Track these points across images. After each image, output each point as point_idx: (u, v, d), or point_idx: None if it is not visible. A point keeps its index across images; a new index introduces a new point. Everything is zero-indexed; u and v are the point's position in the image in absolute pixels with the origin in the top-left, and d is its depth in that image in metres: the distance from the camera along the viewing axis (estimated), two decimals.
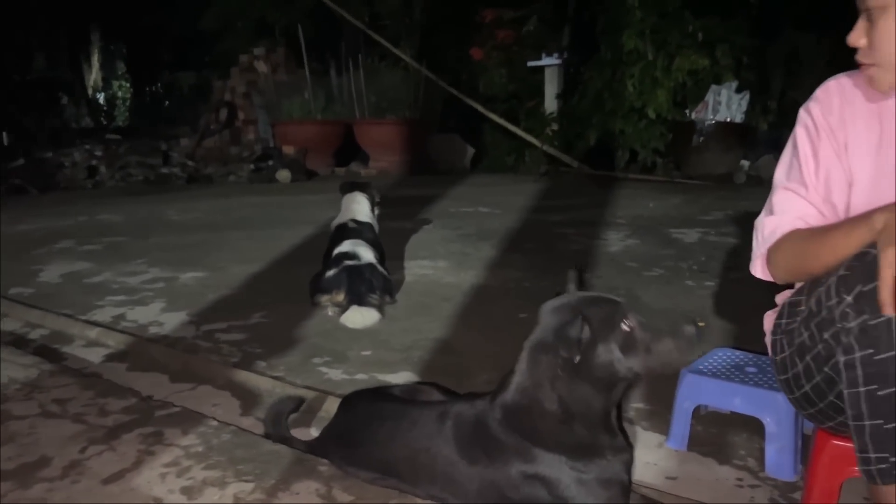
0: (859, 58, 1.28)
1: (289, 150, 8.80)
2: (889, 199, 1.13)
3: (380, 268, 2.97)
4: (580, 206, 5.77)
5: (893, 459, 1.10)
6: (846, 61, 1.33)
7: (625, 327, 1.24)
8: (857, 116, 1.33)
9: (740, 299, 2.98)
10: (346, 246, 3.00)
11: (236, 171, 8.32)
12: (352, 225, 3.15)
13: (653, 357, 1.24)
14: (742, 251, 3.92)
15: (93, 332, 2.64)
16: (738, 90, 7.14)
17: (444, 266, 3.66)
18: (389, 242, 3.89)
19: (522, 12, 8.94)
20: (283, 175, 7.95)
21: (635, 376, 1.27)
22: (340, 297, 2.81)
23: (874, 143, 1.31)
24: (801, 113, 1.39)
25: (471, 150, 9.50)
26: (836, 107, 1.34)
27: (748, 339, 2.48)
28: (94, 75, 19.61)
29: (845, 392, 1.13)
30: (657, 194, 6.41)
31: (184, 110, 14.89)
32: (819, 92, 1.38)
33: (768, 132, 7.41)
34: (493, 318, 2.78)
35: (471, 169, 9.44)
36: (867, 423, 1.11)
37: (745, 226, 4.67)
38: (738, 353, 1.90)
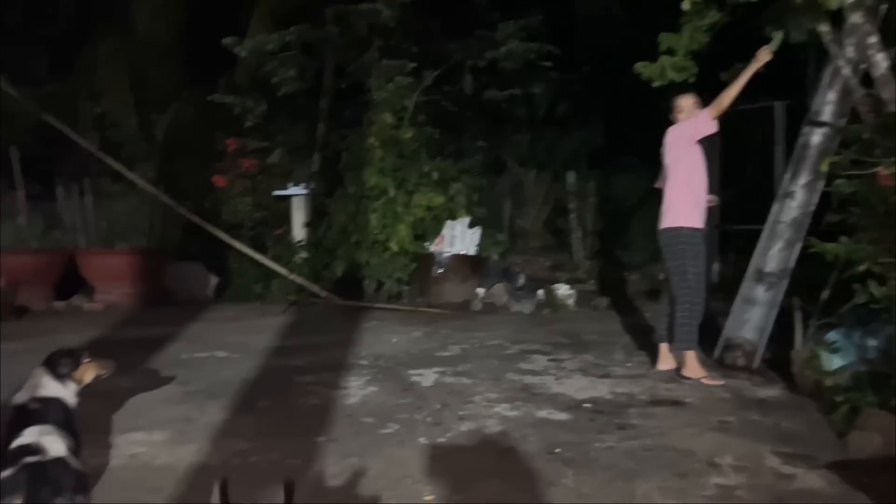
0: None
1: None
2: None
3: (72, 461, 2.53)
4: (324, 345, 5.67)
5: None
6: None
7: None
8: None
9: (460, 460, 3.04)
10: (28, 437, 2.52)
11: None
12: (34, 406, 2.66)
13: None
14: (473, 392, 4.09)
15: None
16: (471, 226, 7.74)
17: (160, 440, 3.27)
18: (100, 409, 3.44)
19: (267, 143, 8.98)
20: None
21: None
22: None
23: None
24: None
25: (214, 280, 9.05)
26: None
27: None
28: None
29: None
30: (401, 326, 6.56)
31: None
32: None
33: (499, 262, 8.06)
34: None
35: (215, 298, 8.96)
36: None
37: (476, 362, 4.93)
38: None
